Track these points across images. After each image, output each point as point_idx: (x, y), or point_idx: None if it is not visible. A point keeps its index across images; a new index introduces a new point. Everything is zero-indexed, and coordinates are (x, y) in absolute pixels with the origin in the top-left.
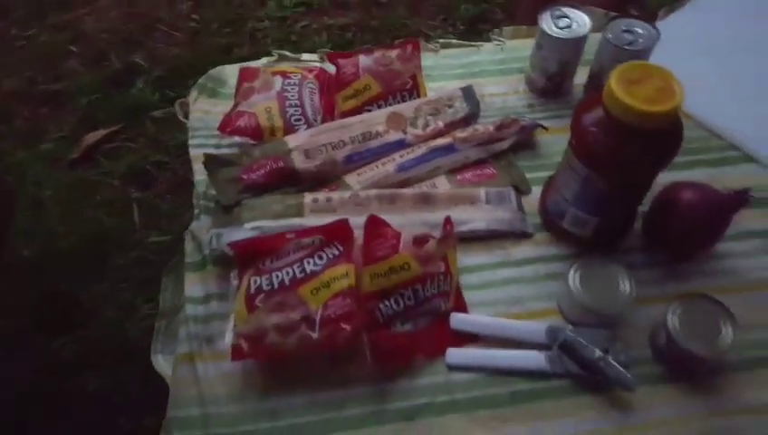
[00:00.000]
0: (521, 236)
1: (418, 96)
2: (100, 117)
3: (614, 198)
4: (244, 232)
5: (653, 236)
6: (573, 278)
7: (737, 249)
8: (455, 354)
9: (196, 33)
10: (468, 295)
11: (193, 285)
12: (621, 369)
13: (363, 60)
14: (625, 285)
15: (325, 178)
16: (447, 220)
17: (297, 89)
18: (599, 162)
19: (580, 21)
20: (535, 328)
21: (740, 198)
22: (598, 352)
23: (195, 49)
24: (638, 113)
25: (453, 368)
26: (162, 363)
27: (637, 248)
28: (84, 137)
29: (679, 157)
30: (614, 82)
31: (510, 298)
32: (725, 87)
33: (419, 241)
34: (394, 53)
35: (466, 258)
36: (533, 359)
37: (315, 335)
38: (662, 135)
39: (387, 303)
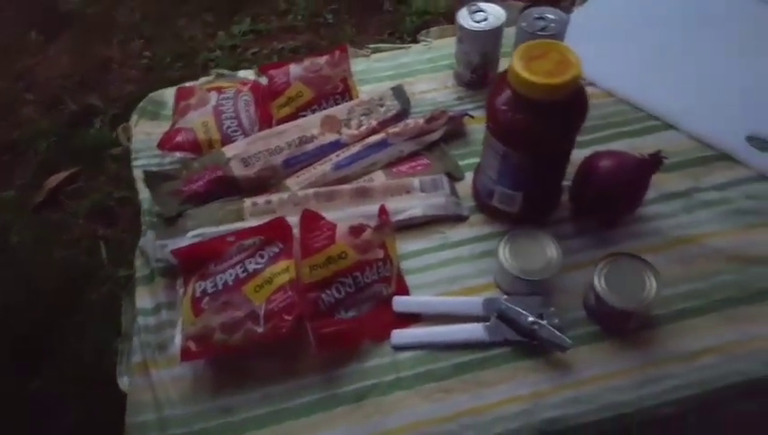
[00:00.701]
0: (457, 219)
1: (351, 98)
2: (60, 160)
3: (532, 172)
4: (188, 240)
5: (579, 205)
6: (503, 251)
7: (660, 211)
8: (399, 335)
9: (149, 69)
10: (410, 279)
11: (143, 298)
12: (555, 331)
13: (294, 69)
14: (552, 252)
15: (266, 183)
16: (382, 209)
17: (232, 102)
18: (512, 139)
19: (495, 13)
20: (473, 302)
21: (654, 160)
22: (531, 318)
23: (149, 85)
24: (538, 87)
25: (398, 348)
26: (127, 385)
27: (566, 219)
28: (47, 180)
29: (603, 130)
30: (516, 61)
31: (449, 278)
32: (642, 62)
33: (356, 231)
34: (323, 60)
35: (407, 245)
36: (473, 331)
37: (260, 329)
38: (565, 106)
39: (328, 292)
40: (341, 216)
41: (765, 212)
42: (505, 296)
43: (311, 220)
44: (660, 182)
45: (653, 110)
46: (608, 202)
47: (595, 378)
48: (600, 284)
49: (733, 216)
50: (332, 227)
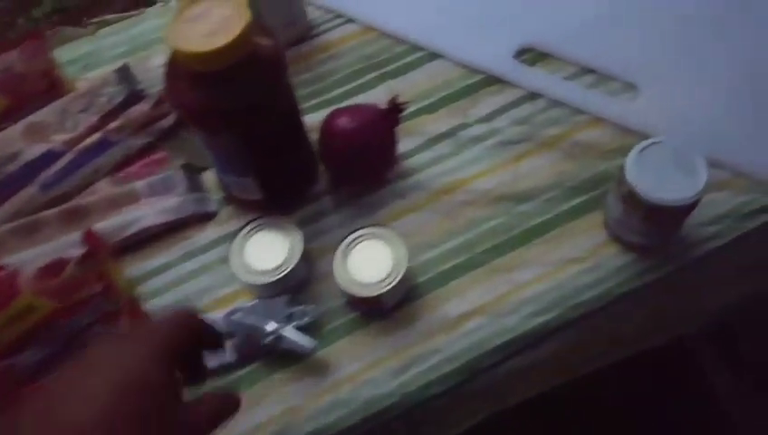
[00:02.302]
0: (204, 218)
1: (63, 94)
2: None
3: (249, 153)
4: None
5: (331, 174)
6: (236, 253)
7: (426, 159)
8: None
9: None
10: (154, 303)
11: None
12: (295, 338)
13: None
14: (293, 242)
15: None
16: (88, 234)
17: None
18: (198, 121)
19: None
20: (216, 319)
21: (392, 110)
22: (270, 328)
23: None
24: (193, 57)
25: None
26: None
27: (325, 192)
28: None
29: (360, 78)
30: (170, 27)
31: (197, 292)
32: None
33: (50, 270)
34: (14, 55)
35: (144, 263)
36: (216, 354)
37: None
38: (249, 70)
39: (23, 356)
40: (47, 251)
41: (533, 137)
42: (253, 302)
43: None
44: (425, 125)
45: (416, 39)
46: (356, 166)
47: (354, 374)
48: (341, 270)
49: (500, 149)
50: (13, 274)
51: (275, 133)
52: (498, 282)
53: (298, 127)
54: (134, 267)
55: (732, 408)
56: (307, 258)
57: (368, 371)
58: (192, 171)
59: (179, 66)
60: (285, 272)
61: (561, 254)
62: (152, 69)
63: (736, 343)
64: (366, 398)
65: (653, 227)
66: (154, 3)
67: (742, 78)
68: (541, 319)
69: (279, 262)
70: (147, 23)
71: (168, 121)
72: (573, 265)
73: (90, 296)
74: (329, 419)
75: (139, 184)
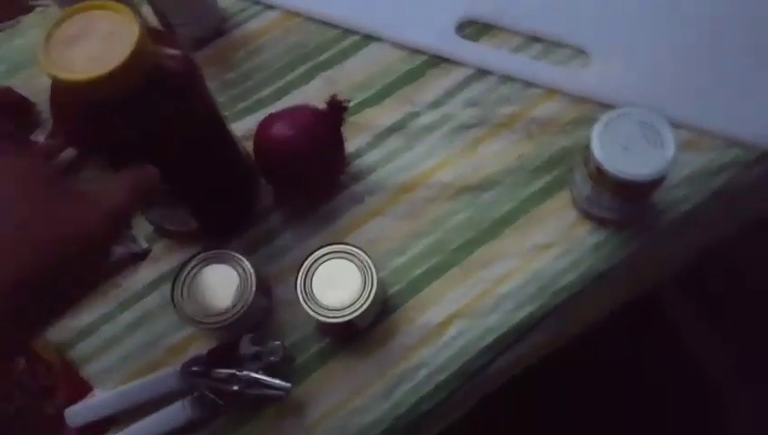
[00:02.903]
0: (135, 259)
1: None
2: None
3: (169, 181)
4: None
5: (275, 188)
6: (178, 295)
7: (379, 157)
8: None
9: None
10: (90, 368)
11: None
12: (267, 382)
13: None
14: (242, 274)
15: None
16: None
17: None
18: (106, 158)
19: None
20: (169, 375)
21: (334, 109)
22: (235, 375)
23: None
24: (83, 86)
25: None
26: None
27: (270, 209)
28: None
29: (297, 67)
30: (44, 48)
31: (141, 346)
32: None
33: None
34: None
35: (73, 323)
36: (176, 414)
37: None
38: (154, 90)
39: None
40: None
41: (487, 119)
42: (212, 347)
43: None
44: (371, 119)
45: (346, 22)
46: (301, 176)
47: (336, 407)
48: (306, 296)
49: (455, 136)
50: None
51: (199, 153)
52: (474, 281)
53: (226, 140)
54: (61, 330)
55: (703, 356)
56: (264, 287)
57: (352, 400)
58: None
59: (65, 95)
60: (244, 308)
61: (534, 241)
62: (45, 90)
63: (706, 288)
64: (353, 430)
65: (625, 201)
66: (31, 9)
67: (698, 35)
68: (523, 312)
69: (233, 298)
70: (28, 34)
71: (70, 153)
72: (547, 250)
73: (11, 376)
74: None
75: None
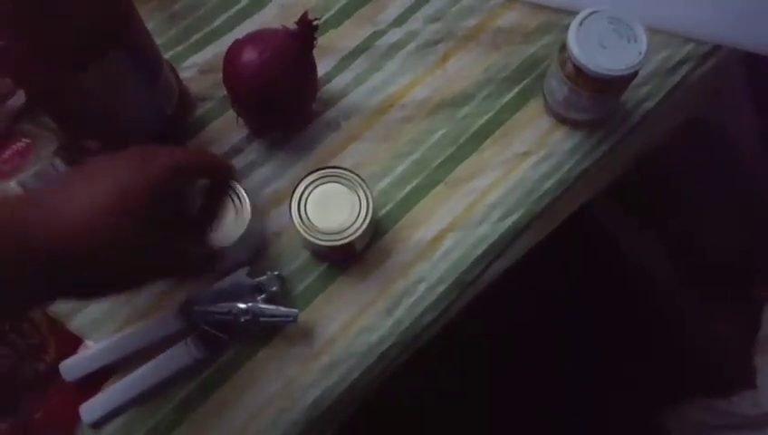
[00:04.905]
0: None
1: None
2: None
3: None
4: None
5: (248, 120)
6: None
7: (347, 80)
8: (90, 410)
9: None
10: (77, 323)
11: None
12: (275, 311)
13: None
14: (238, 206)
15: None
16: None
17: None
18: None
19: None
20: (167, 318)
21: (304, 29)
22: (241, 307)
23: None
24: None
25: (99, 425)
26: None
27: (246, 142)
28: None
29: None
30: None
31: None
32: None
33: None
34: None
35: None
36: (179, 356)
37: None
38: None
39: None
40: None
41: (452, 33)
42: (217, 285)
43: None
44: (334, 41)
45: None
46: (276, 104)
47: (342, 329)
48: (302, 222)
49: (422, 53)
50: None
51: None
52: (460, 195)
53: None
54: None
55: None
56: (258, 215)
57: (356, 321)
58: (73, 152)
59: None
60: (240, 233)
61: (513, 150)
62: None
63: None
64: (362, 348)
65: (600, 100)
66: None
67: None
68: (511, 219)
69: (229, 225)
70: None
71: (18, 100)
72: (527, 158)
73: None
74: (330, 381)
75: (11, 185)
